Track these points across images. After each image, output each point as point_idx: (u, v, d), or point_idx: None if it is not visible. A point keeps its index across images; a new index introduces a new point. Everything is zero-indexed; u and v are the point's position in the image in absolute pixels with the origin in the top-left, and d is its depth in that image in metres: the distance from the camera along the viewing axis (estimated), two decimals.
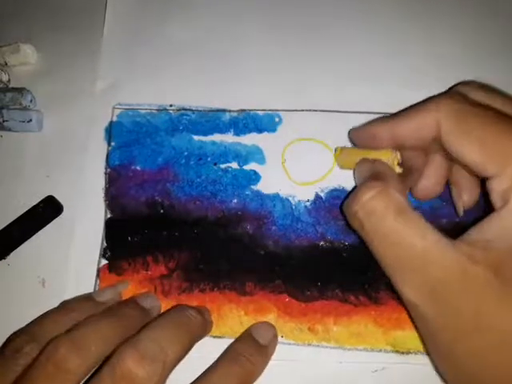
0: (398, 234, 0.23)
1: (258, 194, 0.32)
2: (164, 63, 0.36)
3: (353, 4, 0.36)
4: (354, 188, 0.26)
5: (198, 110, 0.35)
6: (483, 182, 0.24)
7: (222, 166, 0.33)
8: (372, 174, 0.27)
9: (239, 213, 0.32)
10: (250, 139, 0.34)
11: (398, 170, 0.28)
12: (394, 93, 0.34)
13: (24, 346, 0.25)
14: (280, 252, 0.31)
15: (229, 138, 0.34)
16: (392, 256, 0.24)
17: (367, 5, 0.36)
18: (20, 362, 0.25)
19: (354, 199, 0.25)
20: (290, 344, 0.30)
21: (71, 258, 0.32)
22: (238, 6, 0.37)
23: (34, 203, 0.33)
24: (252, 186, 0.33)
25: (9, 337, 0.27)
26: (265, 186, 0.33)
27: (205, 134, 0.34)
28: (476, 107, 0.24)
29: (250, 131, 0.34)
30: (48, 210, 0.33)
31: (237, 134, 0.34)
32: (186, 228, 0.32)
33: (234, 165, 0.33)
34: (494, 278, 0.21)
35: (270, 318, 0.30)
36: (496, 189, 0.22)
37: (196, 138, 0.34)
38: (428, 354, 0.27)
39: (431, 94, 0.32)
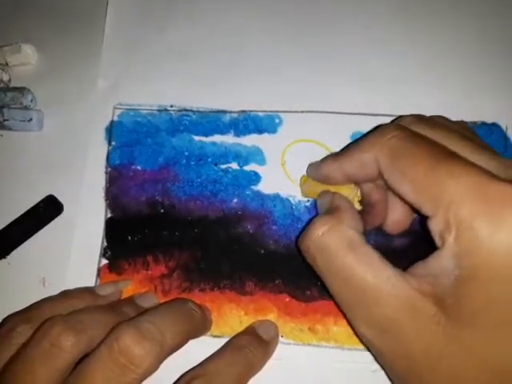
0: (349, 269, 0.23)
1: (259, 194, 0.33)
2: (165, 64, 0.36)
3: (354, 6, 0.36)
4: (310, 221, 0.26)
5: (198, 111, 0.35)
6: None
7: (223, 166, 0.33)
8: (328, 209, 0.27)
9: (239, 212, 0.32)
10: (250, 140, 0.34)
11: (358, 207, 0.28)
12: (396, 94, 0.34)
13: (18, 326, 0.26)
14: (280, 252, 0.31)
15: (229, 138, 0.34)
16: (344, 292, 0.24)
17: (368, 6, 0.36)
18: (13, 342, 0.25)
19: (306, 234, 0.25)
20: (290, 344, 0.30)
21: (72, 258, 0.32)
22: (239, 6, 0.37)
23: (35, 202, 0.33)
24: (252, 187, 0.33)
25: (4, 318, 0.27)
26: (265, 187, 0.33)
27: (205, 134, 0.34)
28: (410, 143, 0.23)
29: (250, 132, 0.34)
30: (48, 209, 0.33)
31: (237, 134, 0.34)
32: (187, 227, 0.32)
33: (235, 165, 0.33)
34: (441, 314, 0.21)
35: (271, 317, 0.30)
36: (433, 229, 0.22)
37: (196, 138, 0.34)
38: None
39: (433, 95, 0.32)
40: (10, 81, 0.37)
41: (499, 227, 0.20)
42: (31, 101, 0.35)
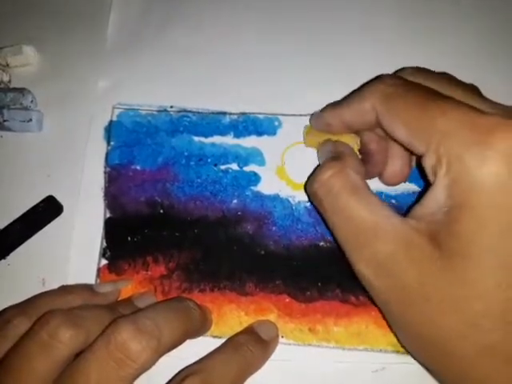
0: (351, 209, 0.25)
1: (258, 194, 0.33)
2: (165, 65, 0.36)
3: (353, 9, 0.37)
4: (317, 167, 0.28)
5: (198, 112, 0.35)
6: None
7: (222, 167, 0.33)
8: (333, 155, 0.28)
9: (239, 213, 0.32)
10: (249, 142, 0.34)
11: (358, 156, 0.29)
12: None
13: (15, 318, 0.26)
14: (280, 252, 0.31)
15: (229, 140, 0.34)
16: (346, 231, 0.25)
17: (367, 9, 0.36)
18: (10, 334, 0.25)
19: (314, 178, 0.27)
20: (290, 344, 0.30)
21: (71, 258, 0.32)
22: (238, 10, 0.37)
23: (34, 203, 0.33)
24: (252, 187, 0.33)
25: (1, 310, 0.27)
26: (265, 187, 0.33)
27: (205, 135, 0.34)
28: (403, 89, 0.25)
29: (249, 134, 0.34)
30: (48, 209, 0.33)
31: (237, 136, 0.34)
32: (186, 228, 0.32)
33: (234, 166, 0.33)
34: (434, 249, 0.22)
35: (271, 318, 0.30)
36: (426, 166, 0.23)
37: (196, 139, 0.34)
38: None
39: None
40: (10, 81, 0.37)
41: (487, 155, 0.21)
42: (31, 101, 0.35)
